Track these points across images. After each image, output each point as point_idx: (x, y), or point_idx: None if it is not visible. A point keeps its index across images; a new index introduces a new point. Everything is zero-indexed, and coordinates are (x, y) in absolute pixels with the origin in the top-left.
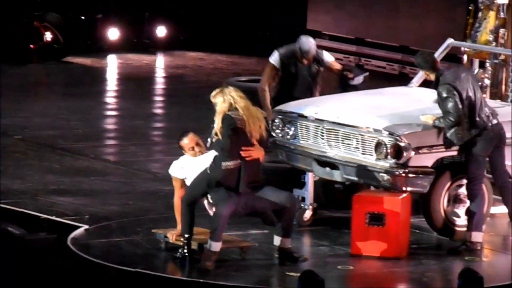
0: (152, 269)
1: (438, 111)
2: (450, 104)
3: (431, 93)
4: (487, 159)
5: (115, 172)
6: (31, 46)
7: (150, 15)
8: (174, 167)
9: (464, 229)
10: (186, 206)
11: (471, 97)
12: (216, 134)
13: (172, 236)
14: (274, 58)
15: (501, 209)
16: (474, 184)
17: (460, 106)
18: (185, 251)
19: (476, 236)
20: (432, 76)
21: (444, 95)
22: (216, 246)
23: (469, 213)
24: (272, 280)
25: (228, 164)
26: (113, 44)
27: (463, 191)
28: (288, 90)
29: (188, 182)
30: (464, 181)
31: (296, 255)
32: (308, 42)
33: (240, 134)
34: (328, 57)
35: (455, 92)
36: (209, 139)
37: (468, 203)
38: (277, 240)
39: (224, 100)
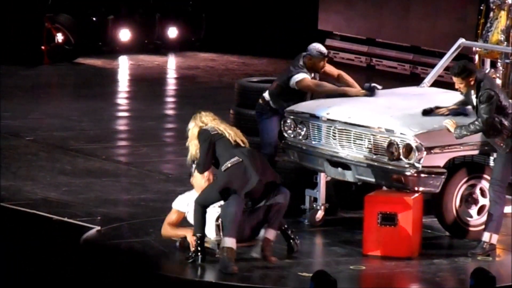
0: (165, 271)
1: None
2: (486, 109)
3: (443, 94)
4: None
5: (127, 173)
6: (43, 47)
7: (161, 16)
8: (179, 201)
9: (477, 228)
10: (199, 207)
11: (506, 105)
12: (193, 161)
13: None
14: (302, 74)
15: None
16: (499, 186)
17: (493, 113)
18: (199, 250)
19: (494, 238)
20: (462, 86)
21: (485, 100)
22: (230, 242)
23: (488, 214)
24: (285, 280)
25: (226, 164)
26: (125, 45)
27: (475, 190)
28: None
29: (189, 218)
30: (476, 181)
31: (268, 253)
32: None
33: (221, 140)
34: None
35: (495, 99)
36: (192, 168)
37: (482, 202)
38: (262, 231)
39: (196, 125)
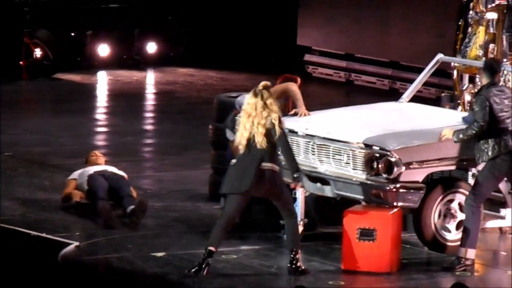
0: (143, 286)
1: (430, 127)
2: (479, 114)
3: (421, 109)
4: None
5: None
6: (21, 62)
7: (140, 31)
8: (73, 173)
9: (455, 243)
10: (226, 220)
11: (503, 115)
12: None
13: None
14: (231, 135)
15: (492, 224)
16: (475, 201)
17: (487, 118)
18: (205, 262)
19: (470, 253)
20: (483, 81)
21: (476, 105)
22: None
23: (464, 228)
24: None
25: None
26: (103, 61)
27: (454, 205)
28: None
29: (79, 185)
30: (454, 196)
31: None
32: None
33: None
34: None
35: (487, 104)
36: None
37: (460, 217)
38: None
39: (248, 104)
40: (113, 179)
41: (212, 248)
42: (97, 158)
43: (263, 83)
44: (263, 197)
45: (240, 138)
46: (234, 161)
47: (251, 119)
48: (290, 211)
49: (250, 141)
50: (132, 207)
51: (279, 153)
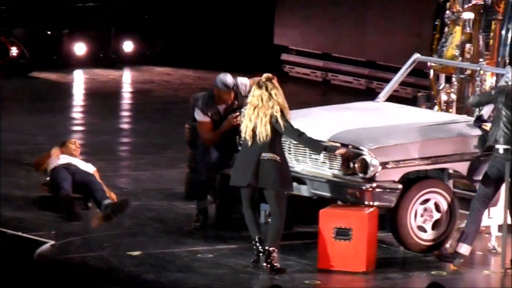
0: (119, 285)
1: (407, 127)
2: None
3: (398, 108)
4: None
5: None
6: None
7: (116, 30)
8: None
9: (431, 243)
10: (247, 210)
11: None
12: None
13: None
14: (201, 115)
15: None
16: (481, 202)
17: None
18: (260, 251)
19: (464, 249)
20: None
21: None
22: None
23: (465, 225)
24: None
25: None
26: (80, 59)
27: (430, 205)
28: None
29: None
30: (429, 196)
31: None
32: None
33: None
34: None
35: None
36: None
37: (436, 217)
38: None
39: (254, 97)
40: (79, 173)
41: (257, 236)
42: (76, 149)
43: (266, 75)
44: (263, 188)
45: (245, 129)
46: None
47: (257, 110)
48: (279, 211)
49: (255, 133)
50: (108, 200)
51: (297, 143)
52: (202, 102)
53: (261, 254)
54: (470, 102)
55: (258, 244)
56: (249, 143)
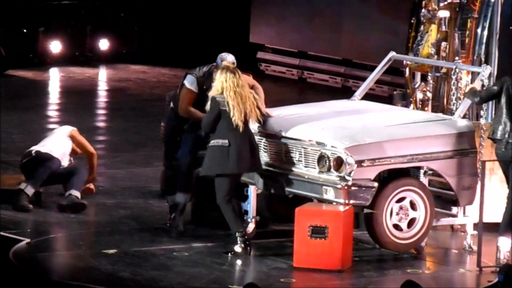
0: (95, 283)
1: (382, 125)
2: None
3: (374, 106)
4: None
5: (58, 185)
6: None
7: (92, 28)
8: None
9: (407, 241)
10: (224, 205)
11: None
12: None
13: None
14: (191, 82)
15: (444, 222)
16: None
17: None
18: (244, 245)
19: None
20: None
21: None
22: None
23: (502, 217)
24: None
25: (214, 142)
26: (55, 57)
27: (405, 203)
28: None
29: None
30: (405, 194)
31: None
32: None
33: (227, 116)
34: None
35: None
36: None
37: (412, 215)
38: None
39: (220, 83)
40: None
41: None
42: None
43: (226, 62)
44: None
45: (236, 117)
46: (226, 141)
47: (239, 91)
48: None
49: (246, 118)
50: (74, 194)
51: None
52: (200, 72)
53: (247, 243)
54: (476, 102)
55: (246, 236)
56: (241, 129)
